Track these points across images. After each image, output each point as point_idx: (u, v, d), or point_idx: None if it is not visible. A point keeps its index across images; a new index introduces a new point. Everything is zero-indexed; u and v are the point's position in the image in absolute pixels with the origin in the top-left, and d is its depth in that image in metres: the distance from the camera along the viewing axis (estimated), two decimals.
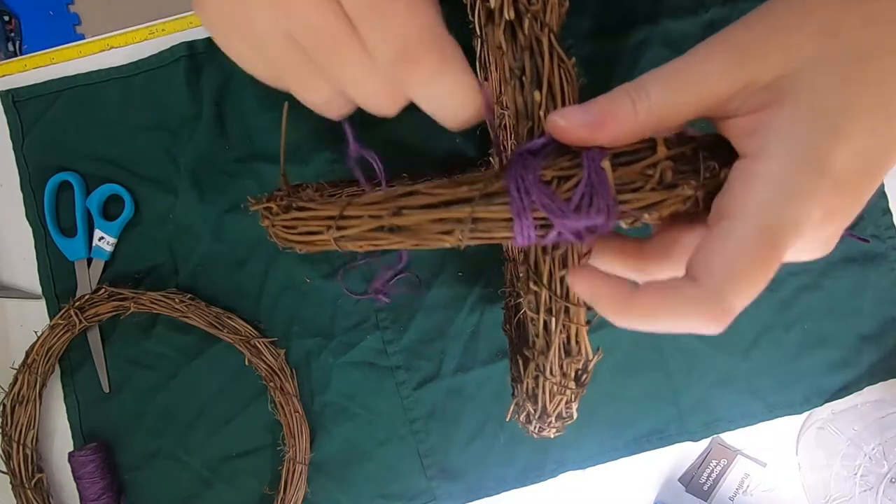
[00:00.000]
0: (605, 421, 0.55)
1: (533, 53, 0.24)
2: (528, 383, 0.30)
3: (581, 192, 0.21)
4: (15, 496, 0.53)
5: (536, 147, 0.23)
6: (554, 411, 0.30)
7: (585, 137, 0.22)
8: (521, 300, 0.44)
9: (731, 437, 0.56)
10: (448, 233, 0.23)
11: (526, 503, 0.56)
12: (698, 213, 0.24)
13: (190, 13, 0.56)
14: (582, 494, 0.56)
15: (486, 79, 0.43)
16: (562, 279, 0.25)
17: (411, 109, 0.60)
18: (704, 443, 0.56)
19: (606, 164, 0.22)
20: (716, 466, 0.56)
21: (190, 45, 0.54)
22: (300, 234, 0.25)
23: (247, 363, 0.54)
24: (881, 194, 0.55)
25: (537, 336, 0.27)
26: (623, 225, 0.24)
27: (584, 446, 0.55)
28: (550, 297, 0.26)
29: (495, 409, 0.55)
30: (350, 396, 0.55)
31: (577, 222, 0.22)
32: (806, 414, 0.56)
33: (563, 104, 0.24)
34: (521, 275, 0.28)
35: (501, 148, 0.49)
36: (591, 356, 0.27)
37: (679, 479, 0.56)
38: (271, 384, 0.54)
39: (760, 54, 0.22)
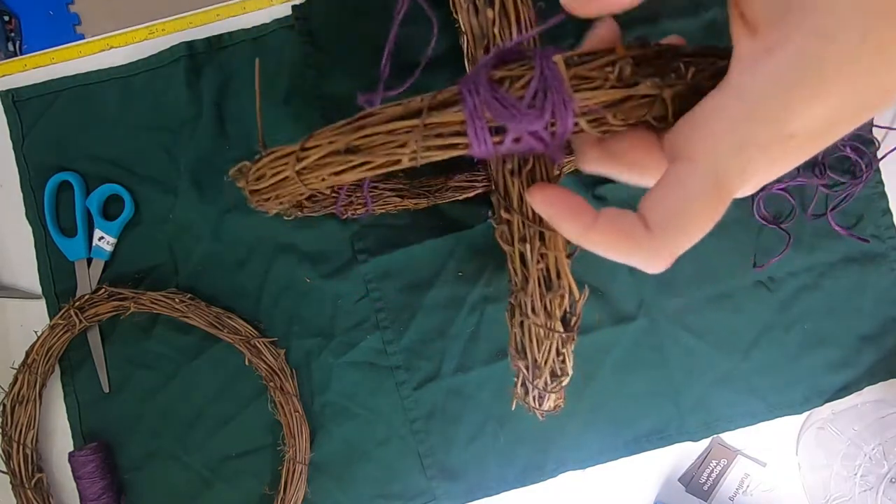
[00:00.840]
0: (605, 420, 0.55)
1: None
2: (515, 335, 0.28)
3: (534, 88, 0.21)
4: (15, 496, 0.53)
5: (492, 59, 0.22)
6: (545, 363, 0.28)
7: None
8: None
9: (731, 437, 0.56)
10: (403, 145, 0.22)
11: (526, 503, 0.56)
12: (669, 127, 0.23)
13: (190, 13, 0.56)
14: (582, 494, 0.56)
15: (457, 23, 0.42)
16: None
17: None
18: (704, 443, 0.56)
19: (558, 57, 0.21)
20: (716, 466, 0.56)
21: (190, 45, 0.54)
22: (269, 183, 0.25)
23: (247, 363, 0.54)
24: (881, 194, 0.55)
25: (515, 272, 0.26)
26: (588, 129, 0.22)
27: (584, 446, 0.55)
28: (523, 224, 0.24)
29: (495, 409, 0.55)
30: (350, 396, 0.55)
31: (533, 122, 0.21)
32: (806, 414, 0.56)
33: (518, 20, 0.23)
34: (493, 205, 0.27)
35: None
36: (576, 293, 0.26)
37: (679, 479, 0.56)
38: (271, 384, 0.54)
39: None
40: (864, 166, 0.54)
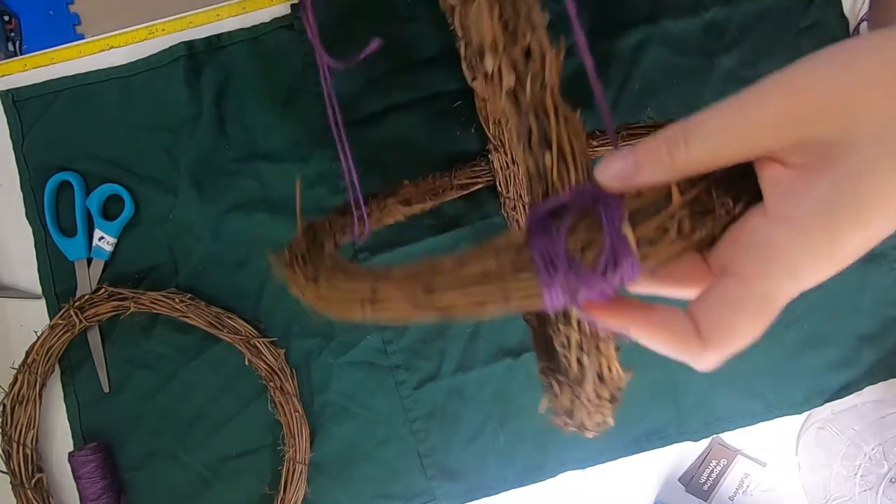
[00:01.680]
0: None
1: (538, 115, 0.24)
2: (564, 402, 0.32)
3: (605, 258, 0.22)
4: (15, 496, 0.53)
5: (551, 207, 0.23)
6: (592, 423, 0.32)
7: (620, 185, 0.23)
8: None
9: (731, 437, 0.56)
10: (482, 305, 0.23)
11: (525, 502, 0.56)
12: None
13: (190, 13, 0.56)
14: (582, 494, 0.56)
15: (473, 78, 0.43)
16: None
17: (411, 109, 0.61)
18: (704, 443, 0.56)
19: (628, 229, 0.22)
20: (716, 466, 0.56)
21: (189, 45, 0.54)
22: (332, 305, 0.26)
23: (247, 363, 0.54)
24: None
25: (571, 367, 0.28)
26: (648, 276, 0.25)
27: (583, 446, 0.55)
28: (580, 337, 0.27)
29: (495, 408, 0.55)
30: (350, 396, 0.55)
31: (604, 286, 0.22)
32: (806, 414, 0.56)
33: (574, 161, 0.24)
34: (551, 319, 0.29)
35: (508, 195, 0.52)
36: (623, 377, 0.28)
37: (679, 479, 0.56)
38: (271, 384, 0.54)
39: (823, 109, 0.19)
40: None
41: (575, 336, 0.27)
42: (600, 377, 0.28)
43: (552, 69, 0.24)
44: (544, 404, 0.35)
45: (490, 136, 0.49)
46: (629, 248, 0.22)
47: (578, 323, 0.26)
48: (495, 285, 0.23)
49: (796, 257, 0.21)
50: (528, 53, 0.24)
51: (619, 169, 0.23)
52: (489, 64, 0.24)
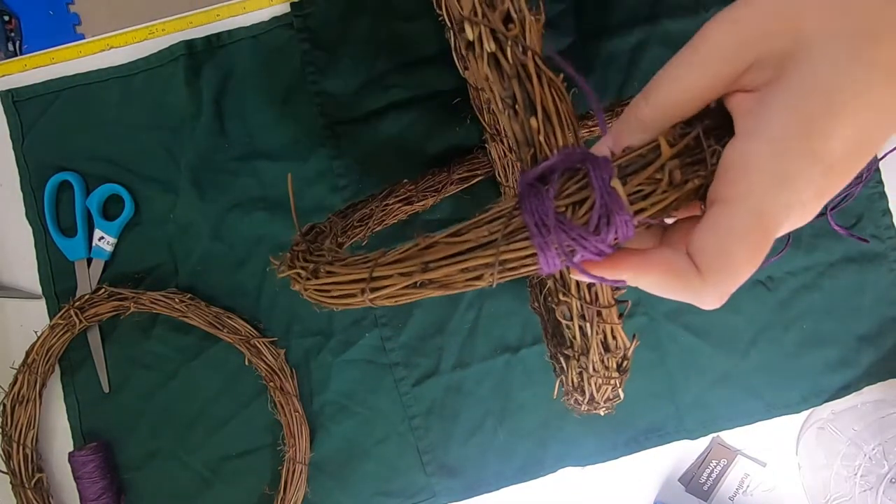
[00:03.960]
0: (604, 418, 0.55)
1: (521, 80, 0.24)
2: (572, 378, 0.31)
3: (597, 214, 0.22)
4: (15, 496, 0.53)
5: (541, 172, 0.23)
6: (602, 398, 0.31)
7: (608, 153, 0.23)
8: (544, 278, 0.46)
9: (730, 437, 0.56)
10: (478, 278, 0.23)
11: (525, 502, 0.56)
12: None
13: (190, 13, 0.56)
14: (582, 494, 0.56)
15: (466, 68, 0.43)
16: (589, 286, 0.26)
17: (410, 107, 0.61)
18: (704, 442, 0.56)
19: (616, 183, 0.22)
20: (716, 466, 0.56)
21: (189, 44, 0.54)
22: (334, 297, 0.26)
23: (247, 363, 0.54)
24: (881, 194, 0.55)
25: (574, 338, 0.28)
26: (644, 231, 0.25)
27: (583, 444, 0.55)
28: (581, 305, 0.26)
29: (494, 404, 0.55)
30: (349, 395, 0.55)
31: (598, 243, 0.22)
32: (806, 414, 0.56)
33: (560, 124, 0.24)
34: (549, 286, 0.29)
35: (503, 169, 0.51)
36: (629, 345, 0.28)
37: (679, 479, 0.56)
38: (271, 384, 0.54)
39: (765, 32, 0.21)
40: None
41: (576, 305, 0.26)
42: (605, 345, 0.28)
43: (532, 33, 0.24)
44: (556, 389, 0.36)
45: (485, 126, 0.49)
46: (620, 202, 0.22)
47: (578, 288, 0.26)
48: (490, 254, 0.23)
49: (776, 164, 0.21)
50: (507, 19, 0.24)
51: (604, 150, 0.23)
52: (469, 32, 0.24)
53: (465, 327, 0.55)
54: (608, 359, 0.28)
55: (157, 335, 0.55)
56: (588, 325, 0.27)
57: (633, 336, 0.28)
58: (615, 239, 0.22)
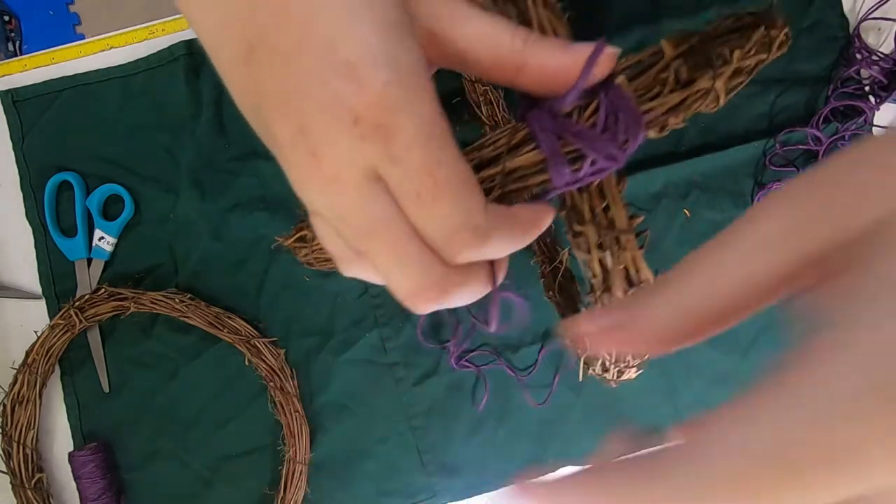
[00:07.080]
0: (603, 418, 0.55)
1: (516, 1, 0.23)
2: None
3: (604, 113, 0.21)
4: (15, 496, 0.53)
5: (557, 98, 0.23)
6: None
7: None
8: (556, 264, 0.44)
9: None
10: (487, 192, 0.22)
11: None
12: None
13: None
14: None
15: None
16: (605, 210, 0.25)
17: None
18: None
19: (622, 79, 0.22)
20: None
21: (189, 45, 0.54)
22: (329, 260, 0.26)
23: (247, 363, 0.54)
24: None
25: (595, 276, 0.27)
26: (652, 135, 0.23)
27: (582, 443, 0.55)
28: (598, 233, 0.25)
29: (494, 403, 0.55)
30: (349, 395, 0.55)
31: (609, 144, 0.21)
32: None
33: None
34: (564, 221, 0.28)
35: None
36: (652, 280, 0.26)
37: None
38: (271, 384, 0.54)
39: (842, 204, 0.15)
40: None
41: (593, 234, 0.25)
42: (629, 279, 0.26)
43: None
44: (581, 373, 0.34)
45: (484, 118, 0.49)
46: (626, 98, 0.21)
47: (593, 214, 0.25)
48: (495, 170, 0.22)
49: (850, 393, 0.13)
50: None
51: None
52: None
53: (464, 326, 0.55)
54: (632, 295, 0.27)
55: (157, 335, 0.55)
56: (607, 254, 0.26)
57: (657, 271, 0.26)
58: (625, 141, 0.22)
